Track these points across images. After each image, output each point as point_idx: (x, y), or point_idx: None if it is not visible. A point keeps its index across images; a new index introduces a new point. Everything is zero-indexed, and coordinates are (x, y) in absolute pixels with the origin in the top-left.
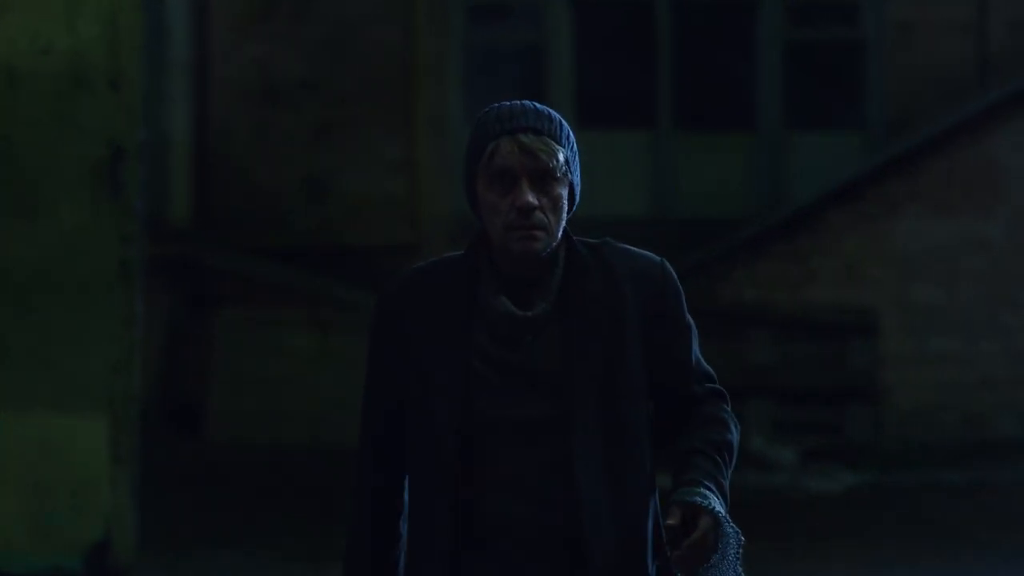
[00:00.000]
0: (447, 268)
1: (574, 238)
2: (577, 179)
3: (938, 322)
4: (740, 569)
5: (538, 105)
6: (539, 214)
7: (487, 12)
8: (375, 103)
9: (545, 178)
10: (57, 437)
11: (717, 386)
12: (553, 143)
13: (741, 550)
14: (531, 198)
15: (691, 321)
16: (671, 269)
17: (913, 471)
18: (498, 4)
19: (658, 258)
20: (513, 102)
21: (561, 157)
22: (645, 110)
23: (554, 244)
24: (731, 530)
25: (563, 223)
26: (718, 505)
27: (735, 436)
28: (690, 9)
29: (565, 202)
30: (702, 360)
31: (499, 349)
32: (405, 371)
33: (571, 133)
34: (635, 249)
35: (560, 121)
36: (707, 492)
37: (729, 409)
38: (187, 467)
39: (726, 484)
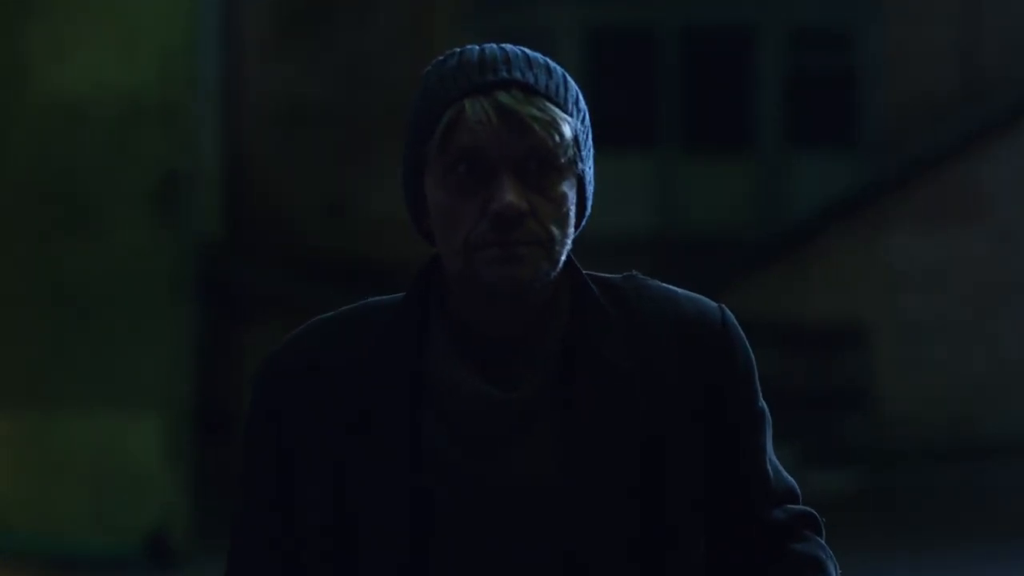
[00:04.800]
0: (374, 322)
1: (584, 272)
2: (590, 172)
3: (928, 332)
4: None
5: (529, 51)
6: (532, 224)
7: (499, 39)
8: (393, 127)
9: (542, 167)
10: (117, 435)
11: (804, 508)
12: (555, 108)
13: None
14: (516, 198)
15: (764, 406)
16: (735, 321)
17: (905, 473)
18: (510, 31)
19: (715, 304)
20: (487, 44)
21: (567, 131)
22: (650, 133)
23: (553, 274)
24: None
25: (569, 243)
26: None
27: None
28: (693, 37)
29: (572, 207)
30: (781, 468)
31: (465, 455)
32: (305, 505)
33: (581, 96)
34: (679, 291)
35: (565, 76)
36: None
37: (823, 541)
38: (223, 472)
39: None
